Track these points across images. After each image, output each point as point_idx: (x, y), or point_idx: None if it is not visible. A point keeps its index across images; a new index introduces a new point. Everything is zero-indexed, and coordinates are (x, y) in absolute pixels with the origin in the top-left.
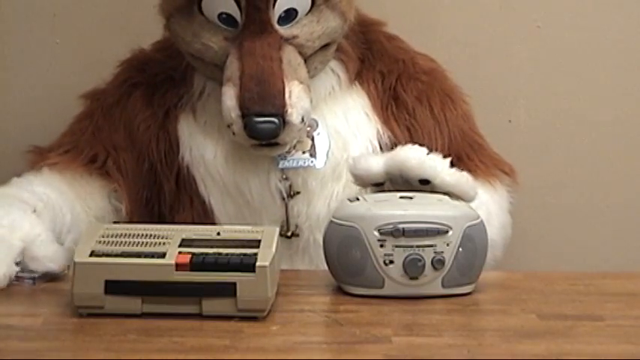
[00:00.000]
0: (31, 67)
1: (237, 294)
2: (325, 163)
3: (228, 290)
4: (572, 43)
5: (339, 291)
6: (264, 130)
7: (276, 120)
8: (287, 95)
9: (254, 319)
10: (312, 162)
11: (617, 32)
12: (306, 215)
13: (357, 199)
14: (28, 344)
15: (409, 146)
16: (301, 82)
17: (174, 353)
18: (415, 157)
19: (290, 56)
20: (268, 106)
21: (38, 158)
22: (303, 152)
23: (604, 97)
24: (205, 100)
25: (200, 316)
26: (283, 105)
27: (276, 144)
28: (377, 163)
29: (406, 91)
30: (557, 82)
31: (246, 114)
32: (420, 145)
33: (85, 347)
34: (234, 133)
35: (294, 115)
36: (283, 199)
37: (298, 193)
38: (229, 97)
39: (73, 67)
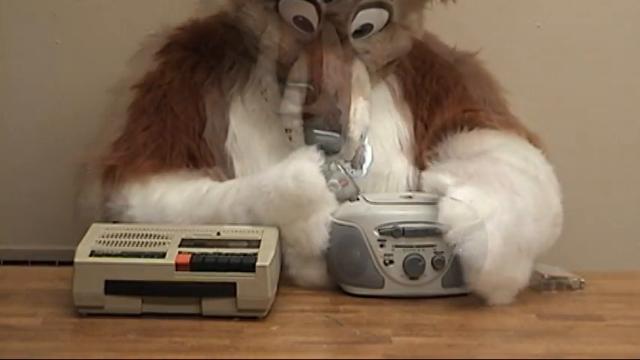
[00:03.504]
0: (31, 67)
1: (237, 294)
2: (366, 174)
3: (228, 290)
4: (572, 43)
5: (339, 291)
6: (325, 145)
7: (337, 135)
8: (352, 112)
9: (254, 319)
10: (352, 172)
11: (617, 32)
12: None
13: (357, 199)
14: (28, 344)
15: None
16: (365, 99)
17: (174, 353)
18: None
19: (359, 71)
20: (332, 122)
21: (127, 170)
22: (346, 161)
23: (604, 97)
24: (258, 90)
25: (200, 316)
26: (347, 121)
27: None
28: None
29: (433, 83)
30: (557, 82)
31: (308, 125)
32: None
33: (85, 347)
34: (290, 139)
35: (355, 132)
36: None
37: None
38: (293, 103)
39: (73, 67)
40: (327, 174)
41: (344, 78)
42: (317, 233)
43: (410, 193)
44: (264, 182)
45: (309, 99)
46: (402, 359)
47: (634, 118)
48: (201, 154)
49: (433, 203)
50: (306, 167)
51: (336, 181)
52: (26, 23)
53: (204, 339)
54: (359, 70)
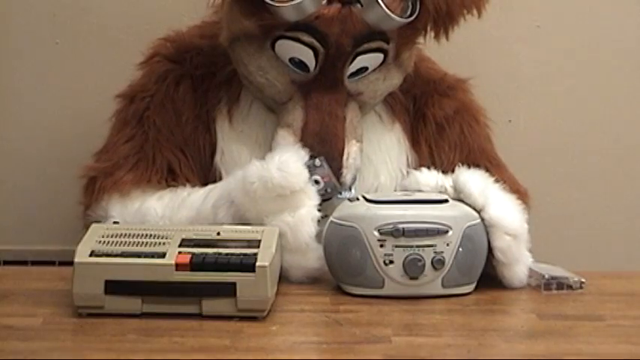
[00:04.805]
0: (31, 67)
1: (237, 294)
2: (354, 191)
3: (228, 290)
4: (572, 43)
5: (339, 291)
6: (318, 190)
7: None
8: (345, 157)
9: (254, 319)
10: (340, 193)
11: (617, 32)
12: None
13: (357, 199)
14: (28, 344)
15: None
16: (358, 141)
17: (174, 353)
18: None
19: (352, 114)
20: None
21: (107, 182)
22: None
23: (604, 97)
24: (247, 112)
25: (200, 316)
26: (340, 167)
27: None
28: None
29: (435, 109)
30: (557, 82)
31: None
32: (439, 158)
33: (85, 347)
34: None
35: (347, 176)
36: None
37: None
38: (288, 144)
39: (73, 67)
40: (312, 169)
41: (337, 122)
42: (303, 227)
43: (410, 193)
44: (247, 173)
45: (303, 145)
46: (402, 359)
47: (634, 118)
48: (182, 169)
49: (433, 203)
50: (291, 159)
51: (319, 177)
52: (26, 23)
53: (204, 339)
54: (352, 113)
